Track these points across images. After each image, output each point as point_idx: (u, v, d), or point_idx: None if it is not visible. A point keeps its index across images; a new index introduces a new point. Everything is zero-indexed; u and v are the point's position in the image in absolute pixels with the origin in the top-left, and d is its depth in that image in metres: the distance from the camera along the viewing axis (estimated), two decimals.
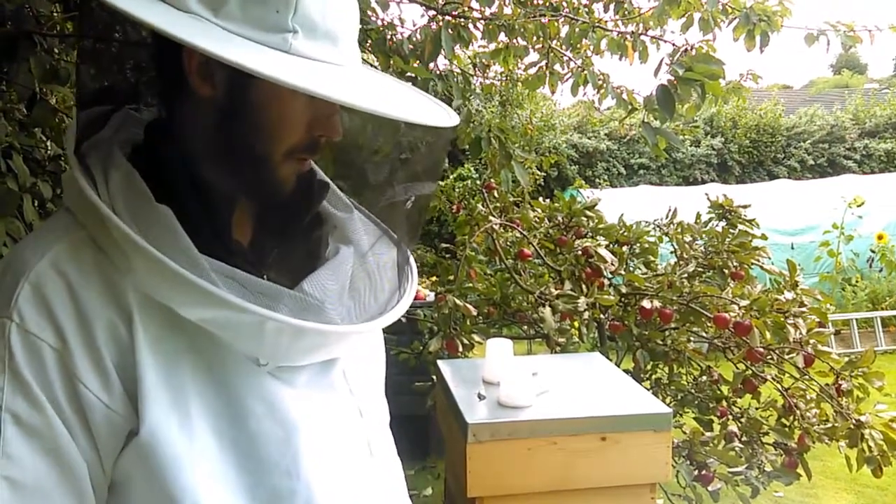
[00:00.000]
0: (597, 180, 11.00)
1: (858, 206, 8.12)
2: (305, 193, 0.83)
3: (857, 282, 7.99)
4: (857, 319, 7.41)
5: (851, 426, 2.34)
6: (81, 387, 0.70)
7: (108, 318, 0.71)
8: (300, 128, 0.77)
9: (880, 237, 8.34)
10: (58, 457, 0.70)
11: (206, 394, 0.74)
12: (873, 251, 8.31)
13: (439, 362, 2.15)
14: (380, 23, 2.81)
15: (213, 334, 0.73)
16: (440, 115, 0.81)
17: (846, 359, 2.43)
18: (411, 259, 0.93)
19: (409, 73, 2.44)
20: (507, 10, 3.18)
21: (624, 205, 5.19)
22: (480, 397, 1.83)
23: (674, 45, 2.44)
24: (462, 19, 2.82)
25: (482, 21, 2.91)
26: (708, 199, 3.12)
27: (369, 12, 2.80)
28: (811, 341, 2.40)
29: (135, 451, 0.71)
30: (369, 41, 2.50)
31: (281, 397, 0.77)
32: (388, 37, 2.57)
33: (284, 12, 0.70)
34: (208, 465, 0.73)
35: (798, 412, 2.48)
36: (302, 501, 0.77)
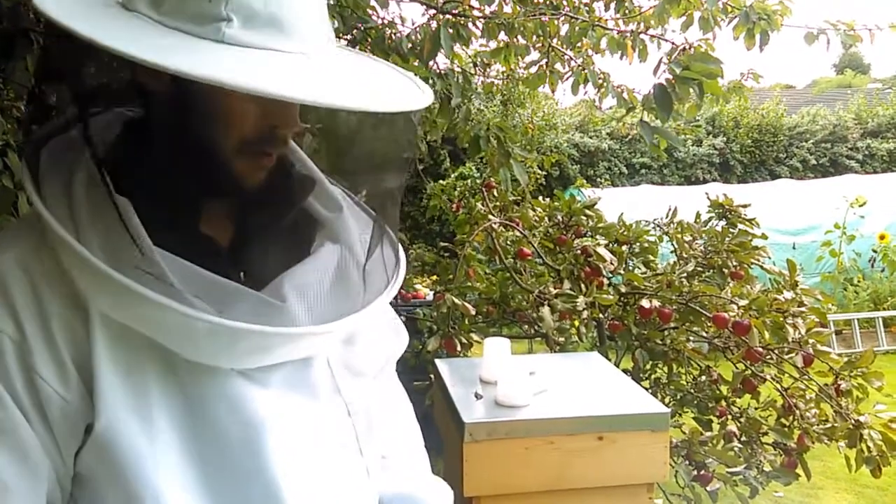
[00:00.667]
0: (598, 180, 10.98)
1: (860, 205, 8.09)
2: (279, 190, 0.82)
3: (858, 282, 7.97)
4: (858, 319, 7.39)
5: (850, 426, 2.33)
6: (39, 379, 0.70)
7: (65, 315, 0.72)
8: (249, 120, 0.76)
9: (882, 237, 8.31)
10: (17, 448, 0.70)
11: (168, 392, 0.74)
12: (875, 251, 8.29)
13: (437, 361, 2.14)
14: (380, 21, 2.81)
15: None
16: (398, 98, 0.78)
17: (845, 359, 2.42)
18: (400, 254, 0.92)
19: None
20: (507, 9, 3.17)
21: (625, 204, 5.18)
22: (478, 396, 1.83)
23: (672, 43, 2.44)
24: (462, 18, 2.81)
25: (482, 19, 2.90)
26: (708, 198, 3.11)
27: (369, 10, 2.79)
28: (810, 341, 2.39)
29: (94, 446, 0.71)
30: (368, 39, 2.50)
31: (247, 398, 0.76)
32: (388, 35, 2.56)
33: (217, 1, 0.69)
34: (170, 463, 0.73)
35: (797, 412, 2.47)
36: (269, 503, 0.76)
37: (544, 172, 8.28)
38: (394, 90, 0.80)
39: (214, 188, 0.79)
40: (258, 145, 0.77)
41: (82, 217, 0.71)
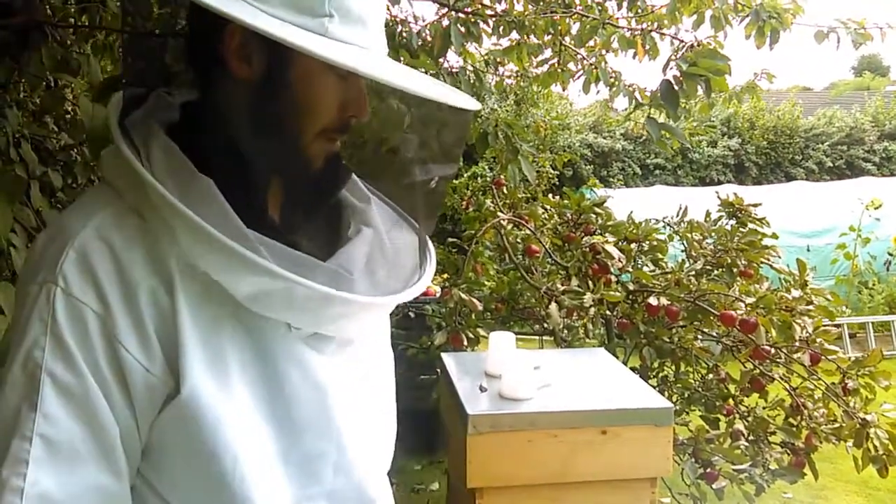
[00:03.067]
0: (612, 180, 10.97)
1: (876, 208, 8.04)
2: (333, 173, 0.87)
3: (873, 285, 7.91)
4: (873, 323, 7.33)
5: (857, 425, 2.33)
6: (122, 350, 0.72)
7: (149, 284, 0.74)
8: (332, 107, 0.80)
9: None
10: (91, 420, 0.72)
11: (244, 357, 0.77)
12: (891, 254, 8.23)
13: (443, 355, 2.16)
14: (390, 18, 2.82)
15: None
16: (463, 99, 0.85)
17: (853, 358, 2.42)
18: (429, 242, 0.96)
19: (418, 69, 2.45)
20: (519, 7, 3.18)
21: (639, 205, 5.17)
22: (482, 389, 1.84)
23: (681, 41, 2.44)
24: (473, 15, 2.83)
25: (493, 17, 2.91)
26: (718, 197, 3.11)
27: None
28: (818, 340, 2.39)
29: (175, 413, 0.73)
30: None
31: (314, 362, 0.80)
32: (399, 31, 2.58)
33: None
34: (246, 424, 0.76)
35: (805, 412, 2.46)
36: (332, 462, 0.82)
37: (557, 172, 8.29)
38: (451, 92, 0.87)
39: (290, 170, 0.83)
40: (334, 133, 0.82)
41: (182, 191, 0.74)
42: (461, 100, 0.84)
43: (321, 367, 0.81)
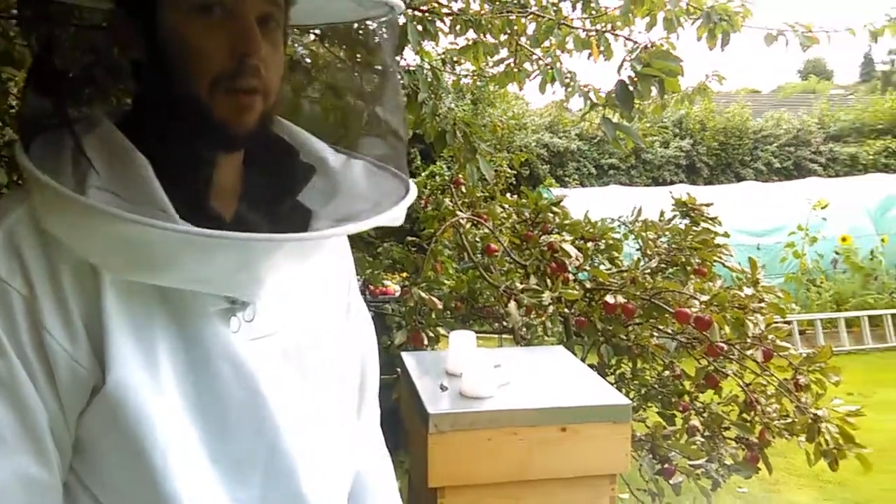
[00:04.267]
0: (568, 180, 11.08)
1: (822, 208, 8.27)
2: (285, 178, 0.84)
3: (821, 283, 8.14)
4: (821, 320, 7.54)
5: (809, 420, 2.38)
6: (47, 335, 0.69)
7: (75, 269, 0.71)
8: (216, 50, 0.76)
9: (844, 239, 8.51)
10: (19, 406, 0.69)
11: (175, 350, 0.74)
12: (837, 253, 8.48)
13: (403, 354, 2.15)
14: None
15: (184, 291, 0.73)
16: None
17: (804, 354, 2.47)
18: (400, 176, 0.90)
19: (376, 66, 2.43)
20: (475, 6, 3.18)
21: (594, 204, 5.21)
22: (443, 388, 1.83)
23: (635, 42, 2.47)
24: (430, 14, 2.82)
25: (449, 16, 2.91)
26: (672, 196, 3.16)
27: None
28: (770, 336, 2.44)
29: (102, 406, 0.71)
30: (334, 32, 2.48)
31: (250, 361, 0.77)
32: (356, 27, 2.55)
33: None
34: (175, 421, 0.73)
35: (759, 407, 2.51)
36: (263, 466, 0.78)
37: (514, 172, 8.33)
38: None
39: (200, 136, 0.78)
40: (231, 80, 0.77)
41: (115, 176, 0.72)
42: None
43: (257, 367, 0.78)
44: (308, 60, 0.95)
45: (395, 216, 0.83)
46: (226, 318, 0.77)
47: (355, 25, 0.91)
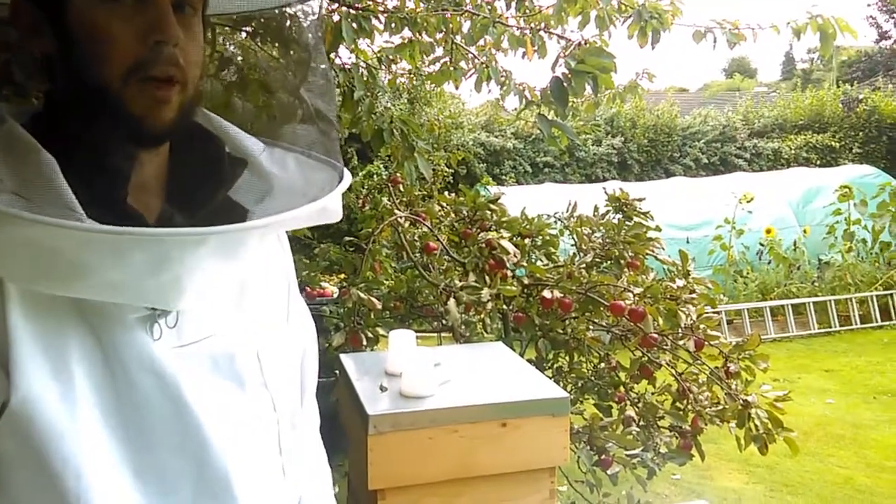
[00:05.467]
0: (504, 178, 11.18)
1: (748, 202, 8.57)
2: (214, 173, 0.80)
3: (747, 273, 8.43)
4: (748, 309, 7.82)
5: (739, 406, 2.46)
6: None
7: None
8: (125, 37, 0.71)
9: (768, 231, 8.84)
10: None
11: (92, 362, 0.70)
12: (762, 244, 8.80)
13: (342, 356, 2.13)
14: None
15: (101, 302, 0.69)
16: None
17: (734, 342, 2.56)
18: (331, 169, 0.87)
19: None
20: (410, 4, 3.18)
21: (530, 201, 5.26)
22: (383, 389, 1.82)
23: (568, 40, 2.51)
24: (364, 11, 2.80)
25: (384, 14, 2.90)
26: (605, 193, 3.22)
27: None
28: (701, 326, 2.51)
29: (9, 423, 0.66)
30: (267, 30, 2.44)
31: (174, 375, 0.73)
32: (288, 25, 2.51)
33: None
34: (92, 438, 0.69)
35: (691, 395, 2.58)
36: (192, 481, 0.74)
37: (452, 171, 8.37)
38: None
39: (112, 131, 0.73)
40: (144, 69, 0.72)
41: (18, 174, 0.67)
42: None
43: (184, 382, 0.74)
44: (230, 49, 0.91)
45: (328, 205, 0.80)
46: (146, 326, 0.73)
47: (276, 11, 0.88)
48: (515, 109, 3.60)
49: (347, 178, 0.85)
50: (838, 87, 16.57)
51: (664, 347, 2.58)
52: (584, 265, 2.84)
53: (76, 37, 0.71)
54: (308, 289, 4.29)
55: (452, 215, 3.11)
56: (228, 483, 0.77)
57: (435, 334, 3.45)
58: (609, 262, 2.93)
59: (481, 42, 3.38)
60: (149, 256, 0.68)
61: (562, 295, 2.62)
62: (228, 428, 0.78)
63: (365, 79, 2.82)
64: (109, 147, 0.74)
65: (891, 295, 8.19)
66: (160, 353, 0.73)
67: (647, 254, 2.94)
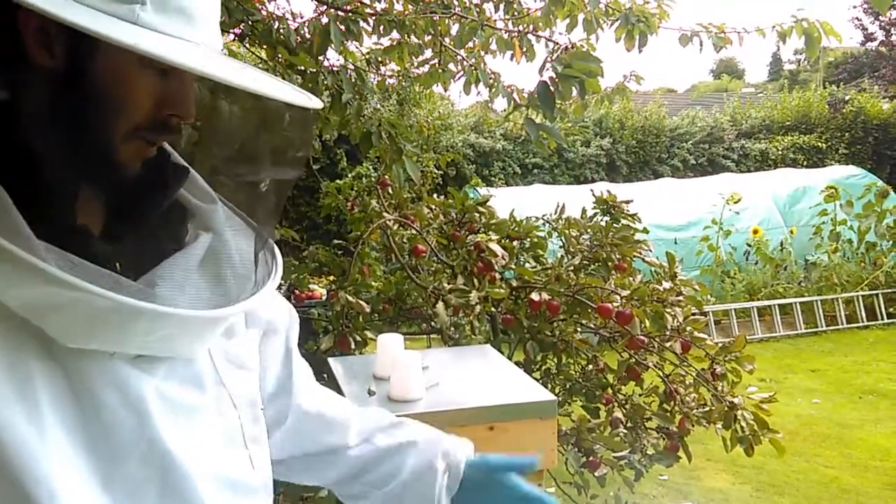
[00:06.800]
0: (493, 179, 11.19)
1: (735, 202, 8.63)
2: (157, 179, 0.80)
3: (735, 274, 8.48)
4: (735, 310, 7.87)
5: (726, 408, 2.48)
6: None
7: None
8: (147, 104, 0.73)
9: (755, 232, 8.89)
10: None
11: (55, 383, 0.70)
12: (749, 245, 8.85)
13: (330, 360, 2.13)
14: (266, 14, 2.75)
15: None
16: (300, 97, 0.80)
17: (720, 344, 2.58)
18: (275, 249, 0.91)
19: (298, 66, 2.40)
20: (398, 7, 3.18)
21: (519, 203, 5.28)
22: (371, 393, 1.83)
23: (556, 44, 2.52)
24: (353, 14, 2.80)
25: (373, 16, 2.90)
26: (593, 194, 3.23)
27: (257, 3, 2.73)
28: (688, 328, 2.53)
29: None
30: (255, 32, 2.44)
31: (135, 385, 0.74)
32: (276, 28, 2.52)
33: None
34: (62, 456, 0.69)
35: (678, 397, 2.60)
36: (157, 488, 0.75)
37: (441, 172, 8.37)
38: (289, 90, 0.81)
39: (93, 176, 0.75)
40: (150, 133, 0.75)
41: None
42: (297, 98, 0.79)
43: (146, 391, 0.74)
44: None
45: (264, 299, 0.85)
46: None
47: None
48: (504, 111, 3.61)
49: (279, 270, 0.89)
50: (825, 87, 16.70)
51: (651, 349, 2.60)
52: (571, 267, 2.85)
53: (96, 82, 0.71)
54: (296, 291, 4.29)
55: (441, 218, 3.12)
56: (192, 485, 0.77)
57: (424, 336, 3.46)
58: (597, 264, 2.94)
59: (470, 44, 3.38)
60: (153, 327, 0.72)
61: (550, 297, 2.63)
62: (192, 431, 0.79)
63: (353, 81, 2.82)
64: (75, 180, 0.75)
65: (876, 295, 8.26)
66: (120, 366, 0.73)
67: (634, 256, 2.96)
